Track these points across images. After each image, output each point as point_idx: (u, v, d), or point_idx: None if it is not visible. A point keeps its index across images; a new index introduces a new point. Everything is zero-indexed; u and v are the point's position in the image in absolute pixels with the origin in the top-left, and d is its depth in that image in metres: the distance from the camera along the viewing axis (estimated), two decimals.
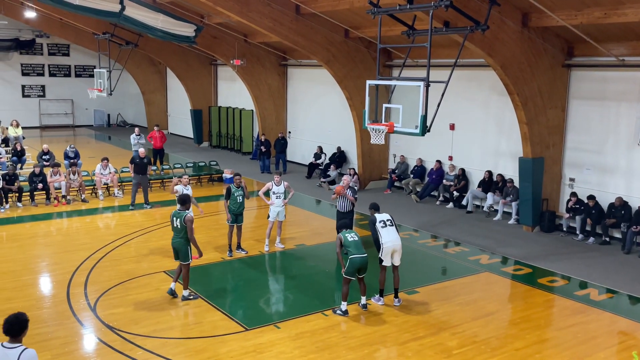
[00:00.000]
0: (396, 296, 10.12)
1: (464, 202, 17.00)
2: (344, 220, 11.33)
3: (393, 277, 10.05)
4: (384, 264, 9.88)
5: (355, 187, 14.09)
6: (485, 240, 14.08)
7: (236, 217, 12.31)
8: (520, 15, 13.17)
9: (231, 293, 10.84)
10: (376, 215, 10.10)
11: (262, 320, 9.44)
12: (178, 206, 10.06)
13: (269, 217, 12.82)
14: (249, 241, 13.46)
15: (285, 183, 12.79)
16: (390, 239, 9.77)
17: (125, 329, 8.93)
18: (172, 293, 10.15)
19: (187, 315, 9.63)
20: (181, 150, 27.25)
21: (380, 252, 9.82)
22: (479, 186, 16.83)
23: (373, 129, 11.76)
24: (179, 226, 9.82)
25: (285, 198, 12.70)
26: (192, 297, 10.13)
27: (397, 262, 9.94)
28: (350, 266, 9.43)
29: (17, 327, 5.18)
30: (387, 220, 9.95)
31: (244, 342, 8.62)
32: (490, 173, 16.61)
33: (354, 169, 19.71)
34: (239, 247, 12.59)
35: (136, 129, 21.96)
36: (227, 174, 20.32)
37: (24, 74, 33.80)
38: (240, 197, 12.20)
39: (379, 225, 9.88)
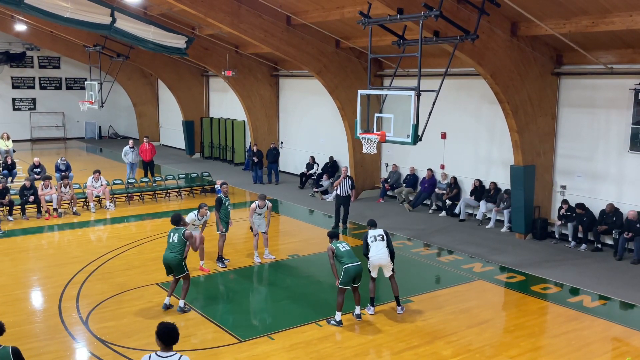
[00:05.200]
0: (398, 304, 10.14)
1: (456, 211, 17.04)
2: (335, 230, 11.38)
3: (391, 286, 10.08)
4: (371, 274, 10.01)
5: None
6: (478, 248, 14.10)
7: (226, 225, 12.37)
8: (510, 24, 13.28)
9: (224, 304, 10.78)
10: (370, 230, 10.17)
11: (256, 331, 9.40)
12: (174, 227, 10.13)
13: (252, 229, 12.73)
14: (241, 253, 13.43)
15: (269, 204, 12.69)
16: (375, 254, 9.86)
17: (118, 343, 8.86)
18: (167, 307, 10.12)
19: (181, 327, 9.52)
20: (173, 162, 27.18)
21: (368, 264, 9.96)
22: (471, 194, 16.88)
23: (365, 138, 11.79)
24: (175, 241, 9.88)
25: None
26: (187, 309, 10.10)
27: (386, 275, 10.04)
28: (345, 276, 9.45)
29: (172, 336, 5.28)
30: (379, 235, 10.00)
31: (238, 354, 8.57)
32: (481, 181, 16.67)
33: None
34: (220, 258, 12.61)
35: (130, 142, 21.91)
36: (219, 185, 20.29)
37: (14, 87, 33.66)
38: (230, 206, 12.21)
39: (369, 239, 9.98)
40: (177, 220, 10.21)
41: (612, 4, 11.32)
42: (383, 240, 9.94)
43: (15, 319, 9.65)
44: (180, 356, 5.25)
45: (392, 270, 10.01)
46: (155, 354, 5.24)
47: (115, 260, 12.91)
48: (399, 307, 10.11)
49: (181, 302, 10.07)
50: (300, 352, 8.66)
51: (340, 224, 15.73)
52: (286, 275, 12.36)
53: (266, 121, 24.68)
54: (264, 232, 12.76)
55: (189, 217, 11.47)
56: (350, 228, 15.84)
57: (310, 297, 10.94)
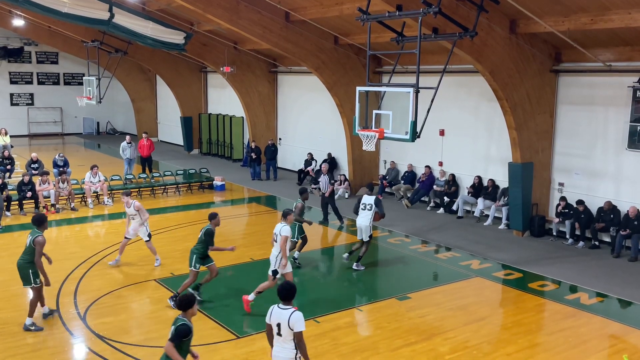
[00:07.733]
0: (350, 254, 12.31)
1: (454, 208, 17.05)
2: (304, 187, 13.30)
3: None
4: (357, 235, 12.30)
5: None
6: (476, 245, 14.11)
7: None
8: (508, 21, 13.27)
9: (222, 301, 10.76)
10: (364, 196, 12.26)
11: (253, 327, 9.40)
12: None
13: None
14: (239, 248, 13.42)
15: (135, 204, 12.06)
16: (359, 219, 12.10)
17: (116, 338, 8.86)
18: (49, 314, 9.57)
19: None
20: (171, 158, 27.16)
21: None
22: (468, 192, 16.88)
23: (363, 135, 11.78)
24: (27, 245, 9.13)
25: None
26: (33, 328, 9.10)
27: (364, 238, 12.15)
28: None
29: (289, 293, 6.34)
30: (368, 204, 12.00)
31: (236, 350, 8.58)
32: (480, 178, 16.69)
33: (344, 174, 19.75)
34: None
35: (127, 137, 21.89)
36: (217, 181, 20.29)
37: (12, 82, 33.61)
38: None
39: (361, 205, 12.21)
40: (41, 221, 9.19)
41: (611, 1, 11.32)
42: (371, 209, 11.95)
43: (13, 315, 9.64)
44: (294, 310, 6.25)
45: (370, 236, 11.98)
46: (277, 306, 6.32)
47: (112, 256, 12.88)
48: (347, 255, 12.34)
49: (27, 321, 9.12)
50: None
51: (339, 221, 15.87)
52: None
53: (264, 117, 24.66)
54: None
55: (285, 232, 9.57)
56: (347, 225, 15.84)
57: (307, 294, 10.94)
